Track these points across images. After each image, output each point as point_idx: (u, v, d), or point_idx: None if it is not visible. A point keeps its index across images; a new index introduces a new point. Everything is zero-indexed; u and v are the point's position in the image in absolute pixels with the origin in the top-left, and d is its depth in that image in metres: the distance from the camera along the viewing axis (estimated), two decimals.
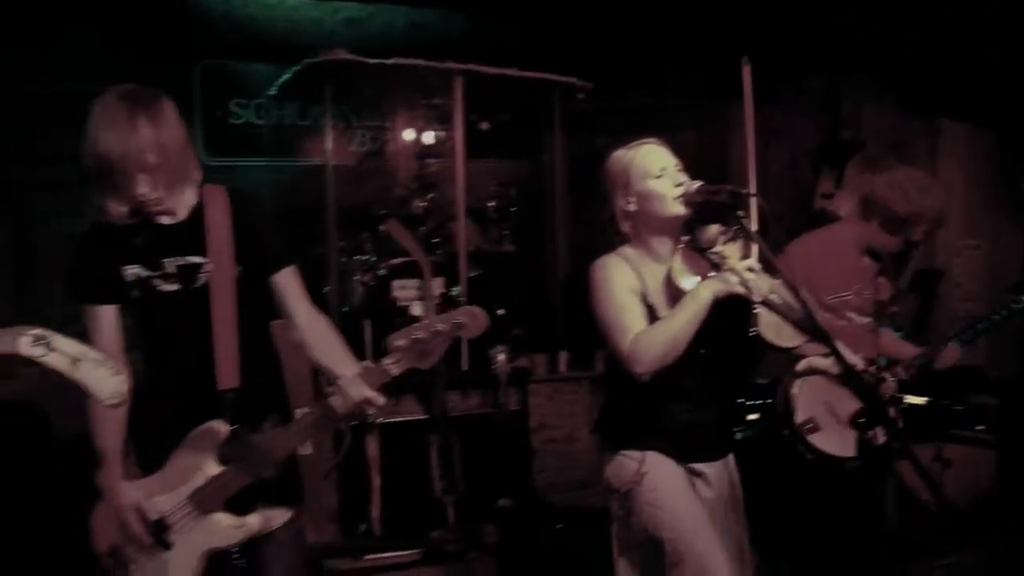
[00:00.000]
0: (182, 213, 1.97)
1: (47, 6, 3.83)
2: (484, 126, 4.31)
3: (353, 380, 1.91)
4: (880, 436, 1.97)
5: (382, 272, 3.88)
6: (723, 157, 5.46)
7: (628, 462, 2.07)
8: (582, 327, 2.27)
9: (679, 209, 2.00)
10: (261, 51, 4.86)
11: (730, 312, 1.95)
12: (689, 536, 1.97)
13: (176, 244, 1.96)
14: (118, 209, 1.87)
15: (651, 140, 2.08)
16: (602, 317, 2.02)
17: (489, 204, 4.41)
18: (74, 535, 2.74)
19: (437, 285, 3.90)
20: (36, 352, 1.58)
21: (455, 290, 3.82)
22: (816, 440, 2.50)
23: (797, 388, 2.55)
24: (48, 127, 4.25)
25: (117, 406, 1.70)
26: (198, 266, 1.97)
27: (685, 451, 2.06)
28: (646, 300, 2.02)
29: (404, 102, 4.35)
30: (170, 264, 1.96)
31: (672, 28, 4.70)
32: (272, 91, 4.42)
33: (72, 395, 3.79)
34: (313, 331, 2.04)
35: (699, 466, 2.07)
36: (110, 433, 1.97)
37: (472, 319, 1.95)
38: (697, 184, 1.98)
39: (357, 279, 3.97)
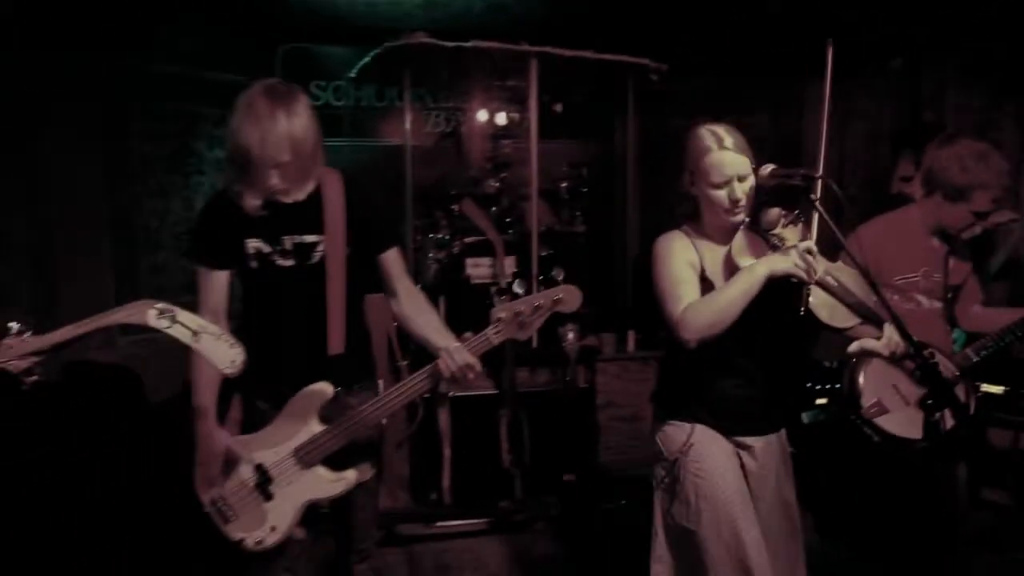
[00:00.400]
0: (302, 195, 2.12)
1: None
2: (558, 108, 4.37)
3: (459, 347, 2.07)
4: (948, 419, 1.99)
5: (456, 250, 3.99)
6: (797, 137, 5.38)
7: (677, 432, 2.15)
8: (650, 307, 2.33)
9: (732, 220, 2.06)
10: (341, 35, 5.02)
11: (784, 292, 1.98)
12: (728, 509, 2.04)
13: (295, 223, 2.12)
14: (252, 202, 2.04)
15: (732, 148, 2.02)
16: (659, 286, 2.09)
17: (561, 185, 4.48)
18: (167, 490, 2.96)
19: (509, 264, 4.00)
20: (162, 324, 1.78)
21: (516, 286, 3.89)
22: (883, 422, 2.49)
23: (864, 371, 2.55)
24: (149, 104, 4.53)
25: (233, 374, 1.86)
26: (314, 244, 2.14)
27: (733, 425, 2.12)
28: (704, 276, 2.08)
29: (480, 84, 4.43)
30: (288, 241, 2.13)
31: (748, 7, 4.63)
32: (352, 74, 4.55)
33: (160, 363, 4.04)
34: (414, 306, 2.23)
35: (747, 439, 2.13)
36: (208, 388, 2.15)
37: (569, 295, 2.11)
38: (770, 168, 2.01)
39: (431, 256, 4.09)
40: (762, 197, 2.05)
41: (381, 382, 2.40)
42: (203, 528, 2.20)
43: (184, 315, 1.82)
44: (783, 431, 2.23)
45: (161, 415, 3.89)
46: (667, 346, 2.23)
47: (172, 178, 4.74)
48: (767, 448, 2.15)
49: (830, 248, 2.10)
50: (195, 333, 1.82)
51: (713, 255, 2.11)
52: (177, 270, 4.73)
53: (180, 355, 3.91)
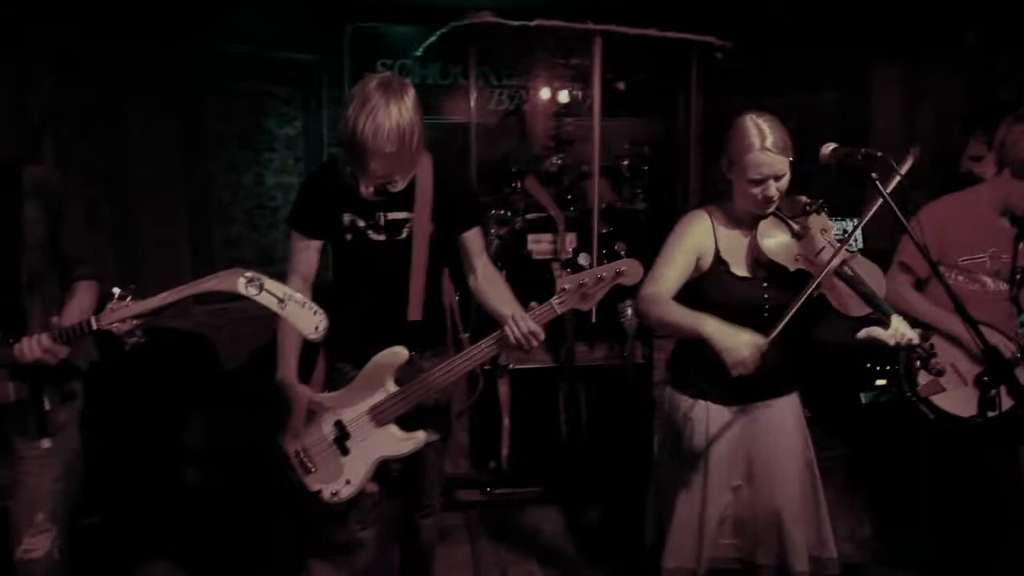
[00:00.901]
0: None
1: None
2: (620, 86, 4.38)
3: (523, 315, 2.18)
4: (1006, 401, 2.00)
5: (518, 226, 4.07)
6: (866, 117, 5.28)
7: (683, 403, 2.39)
8: None
9: (760, 211, 2.22)
10: (407, 14, 5.10)
11: (794, 278, 2.15)
12: (705, 478, 2.33)
13: (389, 200, 2.26)
14: (366, 190, 2.18)
15: (772, 147, 2.12)
16: (657, 257, 2.30)
17: (622, 162, 4.50)
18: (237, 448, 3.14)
19: (570, 240, 4.07)
20: (250, 291, 1.93)
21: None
22: (939, 400, 2.51)
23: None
24: (223, 84, 4.70)
25: (317, 339, 2.00)
26: (404, 221, 2.29)
27: (738, 393, 2.30)
28: (719, 256, 2.25)
29: (543, 62, 4.47)
30: (381, 217, 2.29)
31: None
32: (418, 52, 4.66)
33: (231, 331, 4.22)
34: (489, 282, 2.39)
35: (752, 406, 2.34)
36: (292, 349, 2.31)
37: (631, 268, 2.19)
38: (832, 147, 2.05)
39: (493, 232, 4.17)
40: (828, 173, 2.10)
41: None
42: (282, 482, 2.36)
43: (271, 283, 1.96)
44: (794, 395, 2.39)
45: (232, 378, 4.10)
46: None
47: (244, 154, 4.91)
48: (773, 411, 2.34)
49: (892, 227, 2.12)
50: (281, 300, 1.95)
51: (735, 237, 2.29)
52: (249, 244, 4.93)
53: (249, 325, 4.11)
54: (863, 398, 4.16)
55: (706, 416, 2.34)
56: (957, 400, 2.44)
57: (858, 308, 2.15)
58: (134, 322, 1.98)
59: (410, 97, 2.12)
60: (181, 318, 4.29)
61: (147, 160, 4.20)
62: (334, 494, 2.33)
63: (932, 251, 2.60)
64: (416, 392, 2.28)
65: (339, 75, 5.14)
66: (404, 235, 2.30)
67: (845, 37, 4.95)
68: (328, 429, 2.33)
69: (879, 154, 1.97)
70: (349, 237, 2.31)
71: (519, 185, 4.24)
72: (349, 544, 2.50)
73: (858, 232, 2.30)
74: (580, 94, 4.45)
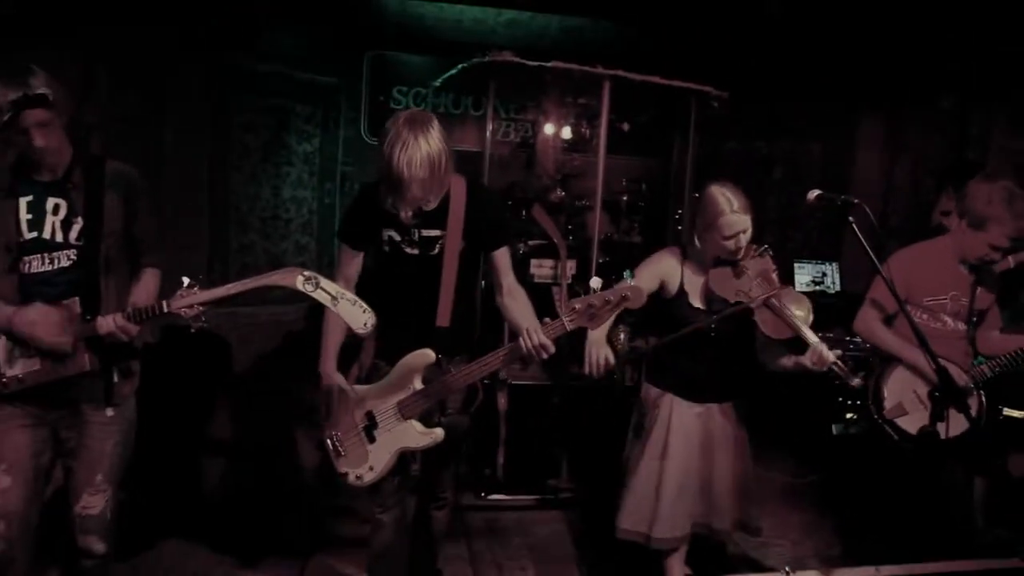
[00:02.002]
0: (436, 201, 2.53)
1: (262, 6, 4.46)
2: (624, 126, 4.68)
3: (538, 329, 2.41)
4: (960, 424, 2.34)
5: (522, 251, 4.35)
6: (849, 167, 5.64)
7: (653, 393, 2.97)
8: None
9: (731, 259, 2.77)
10: (426, 45, 5.41)
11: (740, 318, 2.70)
12: (665, 454, 2.88)
13: (424, 219, 2.52)
14: (405, 213, 2.43)
15: (740, 204, 2.70)
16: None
17: (621, 197, 4.81)
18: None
19: (570, 267, 4.36)
20: (307, 288, 2.18)
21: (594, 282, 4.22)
22: (902, 423, 2.80)
23: (888, 377, 2.90)
24: (250, 99, 4.97)
25: (365, 334, 2.26)
26: (437, 238, 2.55)
27: (695, 393, 2.90)
28: (682, 288, 2.85)
29: (554, 100, 4.76)
30: (416, 234, 2.54)
31: (803, 43, 4.90)
32: (436, 83, 4.95)
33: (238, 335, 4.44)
34: (513, 298, 2.64)
35: (706, 405, 2.90)
36: (333, 340, 2.59)
37: (635, 294, 2.38)
38: (816, 192, 2.37)
39: None
40: (811, 218, 2.41)
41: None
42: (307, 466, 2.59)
43: (326, 282, 2.21)
44: (742, 402, 2.99)
45: (241, 375, 4.31)
46: (657, 324, 3.00)
47: (264, 167, 5.17)
48: (722, 411, 2.93)
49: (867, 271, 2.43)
50: (334, 298, 2.21)
51: (696, 276, 2.87)
52: (262, 251, 5.17)
53: (256, 330, 4.34)
54: (834, 429, 4.44)
55: (670, 407, 2.91)
56: (918, 422, 2.71)
57: (784, 332, 2.62)
58: (200, 308, 2.23)
59: (435, 128, 2.39)
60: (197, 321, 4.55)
61: (177, 166, 4.45)
62: (358, 477, 2.58)
63: (900, 291, 2.92)
64: (437, 391, 2.53)
65: (357, 98, 5.45)
66: (436, 251, 2.56)
67: (832, 92, 5.31)
68: (360, 418, 2.59)
69: (855, 201, 2.27)
70: (387, 250, 2.58)
71: (526, 213, 4.52)
72: (366, 527, 2.75)
73: (835, 276, 2.66)
74: (587, 131, 4.75)
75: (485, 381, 4.09)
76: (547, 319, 2.47)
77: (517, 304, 2.61)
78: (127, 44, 3.84)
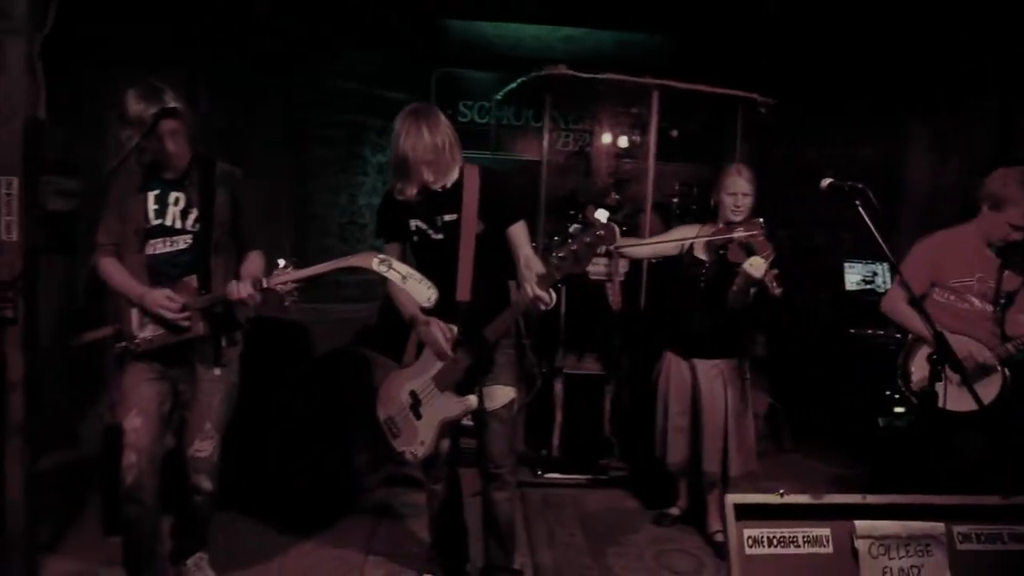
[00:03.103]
0: (449, 183, 2.80)
1: (341, 28, 4.91)
2: (674, 133, 4.96)
3: (530, 284, 2.53)
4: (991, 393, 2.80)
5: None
6: (898, 169, 5.77)
7: (663, 355, 3.74)
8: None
9: (732, 218, 3.50)
10: (488, 62, 5.79)
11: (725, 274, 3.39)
12: (673, 400, 3.65)
13: (444, 206, 2.80)
14: (410, 192, 2.72)
15: (744, 172, 3.54)
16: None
17: (672, 200, 5.08)
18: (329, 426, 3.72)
19: (622, 264, 4.64)
20: (381, 268, 2.52)
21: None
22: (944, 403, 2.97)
23: (915, 353, 3.11)
24: (328, 115, 5.44)
25: (430, 308, 2.60)
26: (456, 221, 2.81)
27: (685, 350, 3.62)
28: (692, 246, 3.61)
29: (607, 110, 5.07)
30: (439, 220, 2.82)
31: (854, 48, 5.06)
32: (499, 96, 5.31)
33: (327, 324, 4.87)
34: (527, 267, 2.73)
35: (697, 360, 3.58)
36: (411, 302, 2.76)
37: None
38: (828, 180, 2.60)
39: (555, 254, 4.75)
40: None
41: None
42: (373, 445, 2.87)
43: (397, 264, 2.56)
44: (733, 359, 3.60)
45: (323, 362, 4.70)
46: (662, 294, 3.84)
47: (340, 177, 5.64)
48: (713, 367, 3.56)
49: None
50: (404, 276, 2.55)
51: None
52: (340, 254, 5.56)
53: (333, 325, 4.75)
54: (881, 422, 4.60)
55: (674, 361, 3.65)
56: (945, 396, 2.90)
57: (738, 255, 3.36)
58: (293, 285, 2.62)
59: (436, 116, 2.69)
60: (284, 313, 5.02)
61: (264, 176, 4.92)
62: (413, 454, 2.83)
63: (929, 272, 3.16)
64: (463, 359, 2.73)
65: None
66: (456, 233, 2.80)
67: (880, 97, 5.46)
68: (405, 398, 2.85)
69: (860, 186, 2.51)
70: (416, 239, 2.85)
71: (582, 215, 4.83)
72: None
73: (886, 275, 2.96)
74: (638, 139, 5.04)
75: (543, 370, 4.49)
76: (540, 271, 2.57)
77: (529, 271, 2.67)
78: (221, 67, 4.32)
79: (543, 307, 2.54)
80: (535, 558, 3.41)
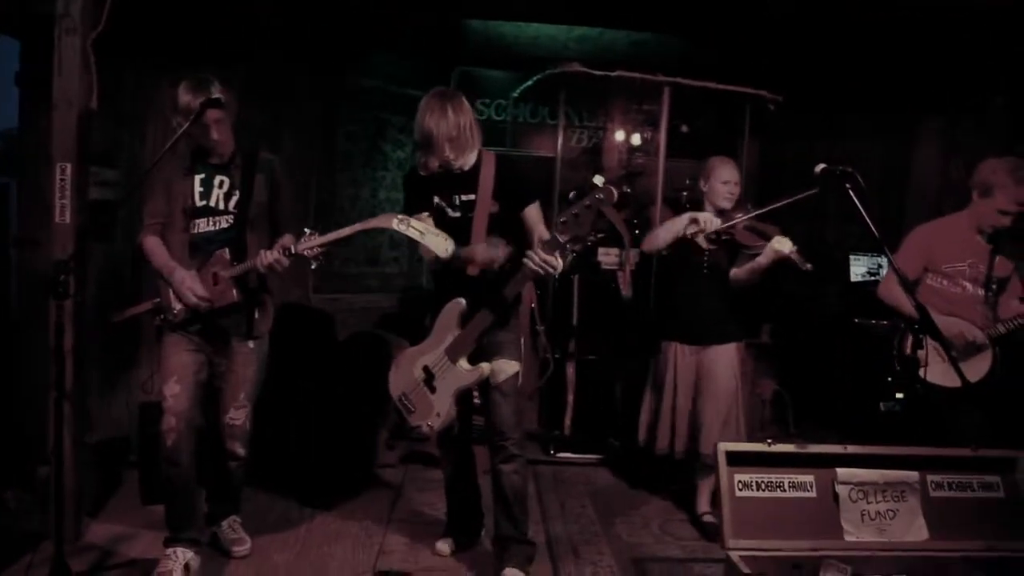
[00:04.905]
0: (468, 167, 3.02)
1: (368, 27, 5.13)
2: (684, 129, 5.13)
3: (538, 249, 2.69)
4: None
5: (591, 240, 4.85)
6: (906, 167, 5.91)
7: (662, 346, 3.79)
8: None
9: (723, 205, 3.65)
10: (506, 61, 5.98)
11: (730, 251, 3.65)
12: (667, 389, 3.72)
13: (462, 186, 3.00)
14: (432, 164, 2.96)
15: (731, 161, 3.72)
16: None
17: (682, 193, 5.25)
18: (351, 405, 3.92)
19: (634, 255, 4.84)
20: (401, 227, 2.72)
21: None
22: (924, 373, 3.14)
23: (907, 337, 3.26)
24: (353, 112, 5.66)
25: (447, 259, 2.79)
26: (472, 201, 2.99)
27: (688, 337, 3.71)
28: (691, 235, 3.60)
29: (619, 107, 5.25)
30: (457, 199, 3.01)
31: (864, 47, 5.20)
32: (515, 93, 5.51)
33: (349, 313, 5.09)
34: (539, 241, 2.84)
35: (698, 347, 3.68)
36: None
37: (606, 192, 2.54)
38: (821, 166, 2.78)
39: (570, 247, 4.95)
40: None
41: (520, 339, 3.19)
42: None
43: (414, 221, 2.76)
44: (733, 344, 3.69)
45: (344, 346, 4.91)
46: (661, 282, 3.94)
47: (364, 171, 5.85)
48: (714, 352, 3.65)
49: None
50: (422, 232, 2.75)
51: (706, 223, 3.63)
52: (361, 246, 5.84)
53: (354, 314, 4.95)
54: (882, 406, 4.74)
55: (674, 353, 3.72)
56: (936, 373, 3.06)
57: (755, 241, 3.52)
58: (319, 249, 2.83)
59: (460, 100, 2.91)
60: (308, 302, 5.27)
61: (292, 169, 5.14)
62: (430, 426, 2.97)
63: (922, 258, 3.33)
64: (471, 330, 2.88)
65: None
66: (471, 212, 2.98)
67: (892, 96, 5.59)
68: (419, 373, 2.99)
69: (850, 170, 2.69)
70: (435, 216, 3.01)
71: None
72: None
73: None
74: (649, 135, 5.23)
75: (556, 356, 4.68)
76: (547, 236, 2.72)
77: (541, 243, 2.75)
78: (255, 66, 4.55)
79: (551, 270, 2.69)
80: (548, 528, 3.60)
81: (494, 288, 2.90)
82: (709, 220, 3.58)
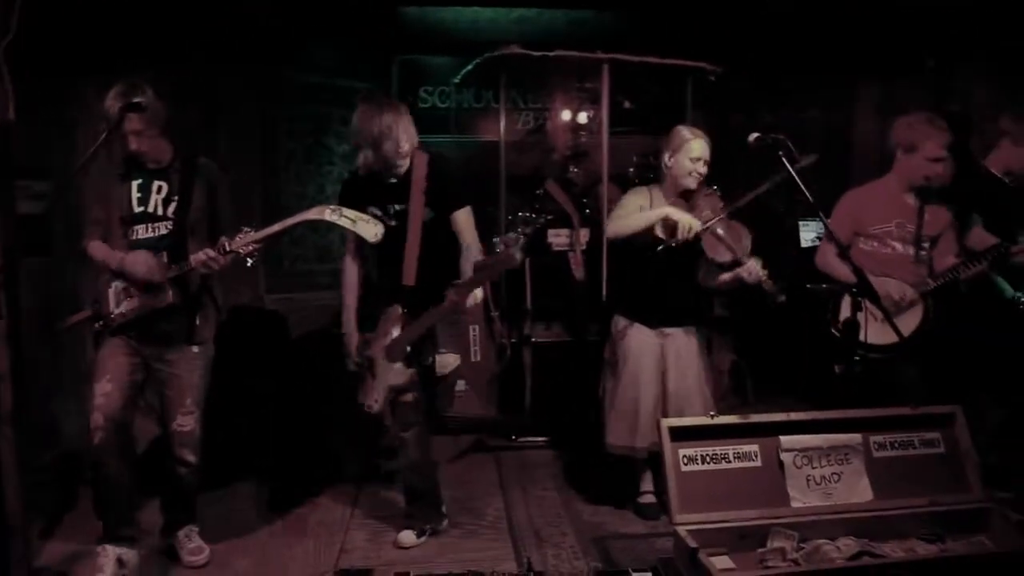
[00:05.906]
0: (401, 173, 3.08)
1: (302, 21, 5.03)
2: (627, 105, 5.13)
3: (458, 288, 2.93)
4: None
5: (541, 222, 4.84)
6: (847, 130, 5.99)
7: (621, 322, 3.51)
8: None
9: (688, 185, 3.33)
10: (446, 47, 5.93)
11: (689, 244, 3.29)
12: (636, 374, 3.39)
13: (396, 195, 3.09)
14: (368, 165, 3.03)
15: (703, 136, 3.34)
16: (616, 207, 3.47)
17: (630, 171, 5.26)
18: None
19: (584, 235, 4.83)
20: (333, 217, 2.75)
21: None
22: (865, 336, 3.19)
23: (840, 301, 3.32)
24: (292, 107, 5.56)
25: (375, 242, 2.86)
26: (405, 210, 3.07)
27: (650, 320, 3.44)
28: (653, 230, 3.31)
29: (561, 87, 5.23)
30: (391, 208, 3.09)
31: (803, 16, 5.24)
32: (456, 80, 5.45)
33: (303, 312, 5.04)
34: (465, 258, 3.10)
35: (665, 329, 3.43)
36: (351, 295, 3.21)
37: (506, 257, 2.84)
38: (754, 135, 2.80)
39: (520, 230, 4.92)
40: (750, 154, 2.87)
41: (475, 327, 3.30)
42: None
43: (347, 211, 2.82)
44: (696, 327, 3.49)
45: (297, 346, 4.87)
46: (623, 265, 3.60)
47: (308, 167, 5.76)
48: (679, 336, 3.43)
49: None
50: (353, 221, 2.81)
51: (660, 206, 3.38)
52: (310, 243, 5.77)
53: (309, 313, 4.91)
54: (837, 370, 4.81)
55: (636, 335, 3.44)
56: (871, 332, 3.12)
57: (723, 255, 3.23)
58: (253, 246, 2.81)
59: (387, 103, 3.04)
60: (261, 303, 5.19)
61: (231, 171, 5.04)
62: (370, 407, 3.14)
63: (851, 222, 3.37)
64: (401, 340, 3.06)
65: None
66: (405, 221, 3.07)
67: (829, 62, 5.65)
68: (365, 362, 3.16)
69: (782, 137, 2.71)
70: None
71: (541, 190, 5.01)
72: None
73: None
74: (593, 114, 5.21)
75: (512, 340, 4.67)
76: (459, 283, 2.96)
77: (466, 264, 3.05)
78: (184, 64, 4.44)
79: (462, 312, 2.96)
80: (510, 515, 3.60)
81: (427, 300, 3.04)
82: (685, 230, 3.22)
